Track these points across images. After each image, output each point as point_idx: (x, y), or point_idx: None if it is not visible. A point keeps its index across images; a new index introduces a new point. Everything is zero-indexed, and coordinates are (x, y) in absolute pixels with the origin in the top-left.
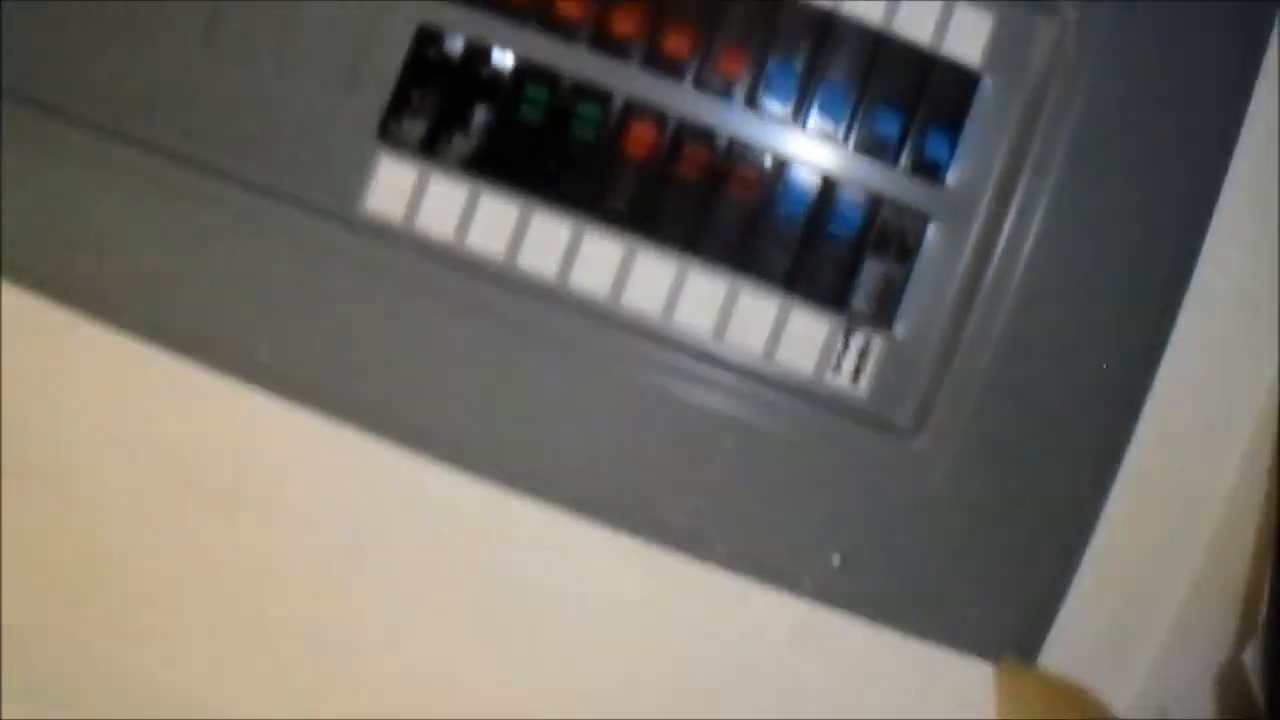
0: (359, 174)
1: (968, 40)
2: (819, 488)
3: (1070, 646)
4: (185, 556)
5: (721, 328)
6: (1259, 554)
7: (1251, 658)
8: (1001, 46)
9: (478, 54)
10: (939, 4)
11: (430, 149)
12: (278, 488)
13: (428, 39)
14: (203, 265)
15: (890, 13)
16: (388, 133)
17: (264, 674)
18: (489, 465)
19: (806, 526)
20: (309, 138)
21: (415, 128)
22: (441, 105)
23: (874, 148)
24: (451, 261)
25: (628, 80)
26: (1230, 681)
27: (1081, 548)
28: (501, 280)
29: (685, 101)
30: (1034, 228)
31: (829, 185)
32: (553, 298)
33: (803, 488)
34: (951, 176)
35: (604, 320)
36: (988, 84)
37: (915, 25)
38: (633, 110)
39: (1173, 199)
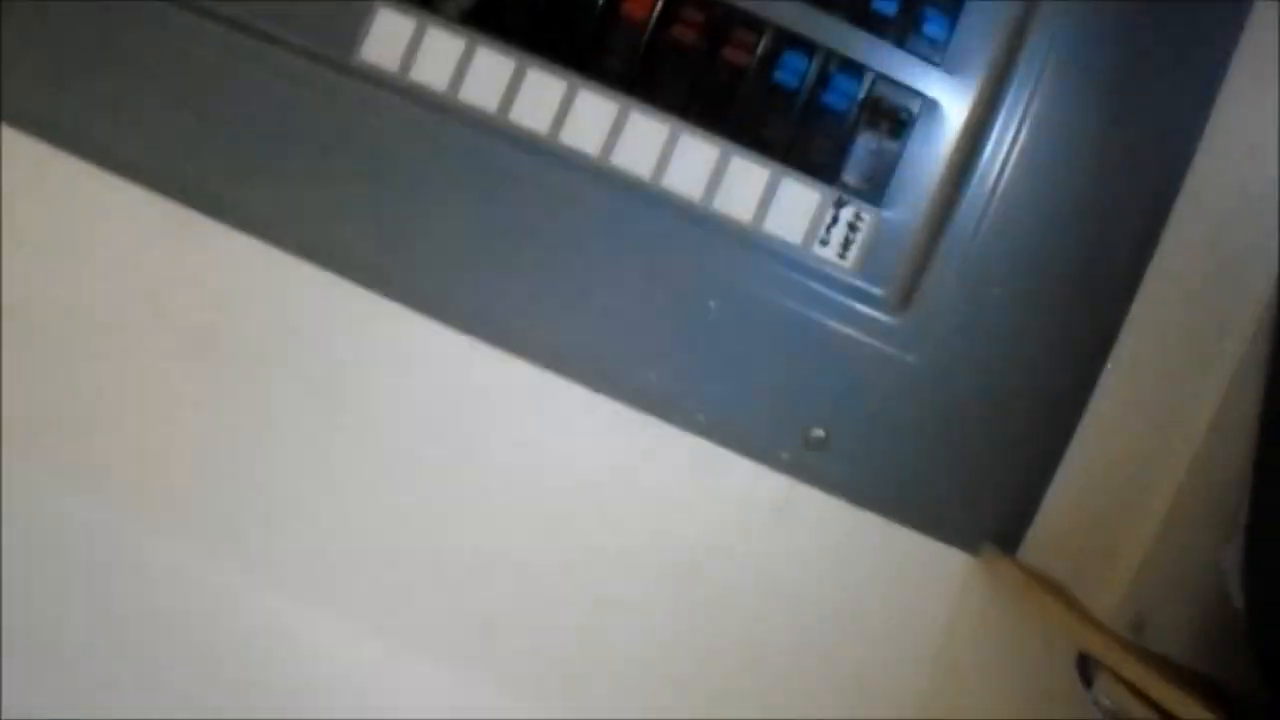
0: (357, 22)
1: None
2: (802, 358)
3: (1050, 545)
4: (164, 398)
5: (712, 191)
6: (1243, 459)
7: (1230, 558)
8: None
9: None
10: None
11: (429, 1)
12: (261, 331)
13: None
14: (199, 109)
15: None
16: None
17: (241, 529)
18: (468, 317)
19: (787, 397)
20: None
21: None
22: None
23: (873, 22)
24: (445, 111)
25: None
26: (1208, 585)
27: (1065, 442)
28: (494, 132)
29: None
30: (1029, 113)
31: (827, 57)
32: (545, 152)
33: (785, 357)
34: (948, 57)
35: (595, 177)
36: None
37: None
38: None
39: (1175, 87)
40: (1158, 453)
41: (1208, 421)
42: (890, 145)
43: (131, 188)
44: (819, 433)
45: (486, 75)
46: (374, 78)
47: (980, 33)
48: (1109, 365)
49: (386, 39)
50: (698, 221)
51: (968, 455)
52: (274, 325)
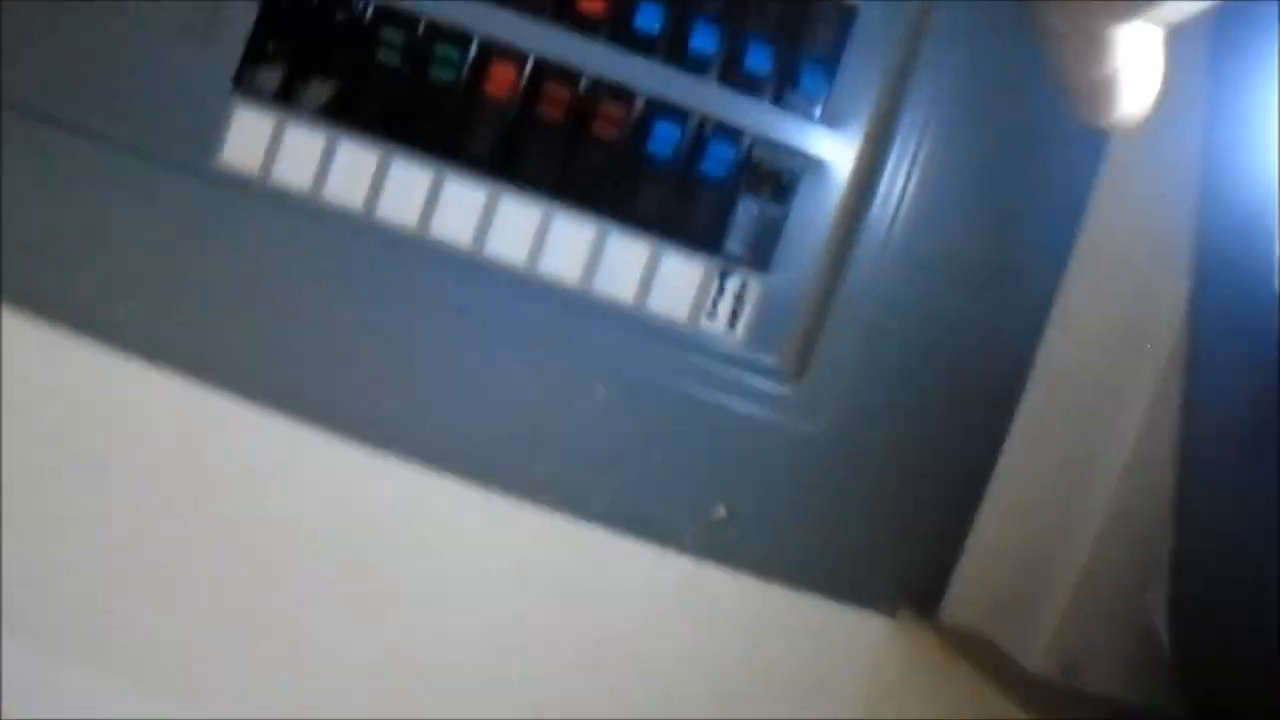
0: (215, 126)
1: None
2: (697, 437)
3: (971, 600)
4: (55, 521)
5: (590, 272)
6: (1162, 499)
7: (1155, 599)
8: None
9: None
10: None
11: (286, 97)
12: (145, 450)
13: None
14: (55, 221)
15: None
16: (243, 82)
17: (132, 640)
18: (347, 421)
19: (686, 478)
20: (163, 90)
21: (271, 76)
22: (297, 51)
23: (747, 82)
24: (310, 212)
25: (486, 19)
26: (1137, 624)
27: (978, 496)
28: (361, 230)
29: (545, 39)
30: (915, 167)
31: (700, 123)
32: (414, 247)
33: (680, 437)
34: (828, 111)
35: (468, 268)
36: (866, 14)
37: None
38: (491, 50)
39: (1069, 124)
40: (1075, 498)
41: (1123, 463)
42: (774, 209)
43: None
44: (721, 511)
45: (350, 170)
46: (236, 183)
47: (861, 83)
48: (1018, 415)
49: (246, 140)
50: (578, 306)
51: (877, 519)
52: (142, 437)
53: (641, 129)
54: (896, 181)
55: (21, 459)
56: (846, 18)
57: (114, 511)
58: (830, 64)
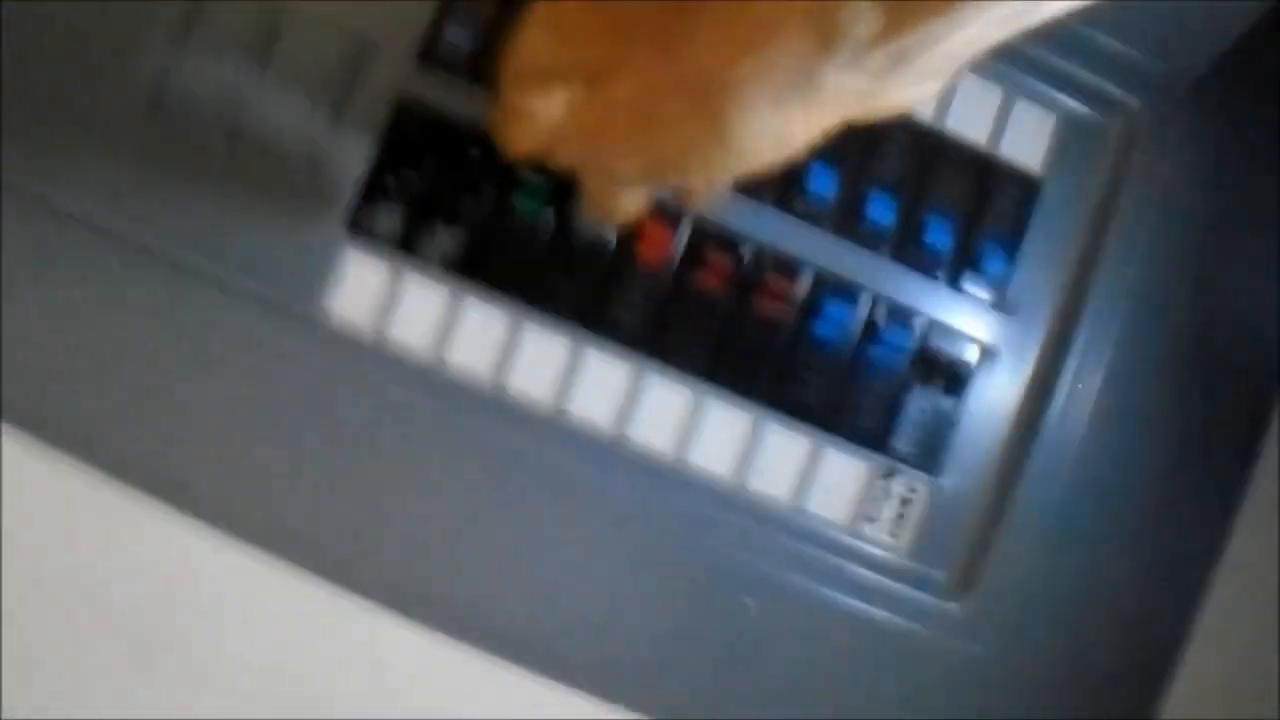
0: (323, 271)
1: (1028, 141)
2: (851, 656)
3: None
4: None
5: (744, 467)
6: None
7: None
8: (1064, 147)
9: (467, 131)
10: (996, 100)
11: (407, 245)
12: (210, 632)
13: (409, 111)
14: (142, 368)
15: (943, 109)
16: (358, 224)
17: None
18: (466, 630)
19: (836, 703)
20: (269, 229)
21: (390, 219)
22: (422, 193)
23: (923, 261)
24: (428, 379)
25: None
26: None
27: None
28: (486, 404)
29: None
30: (1103, 360)
31: (871, 305)
32: (546, 427)
33: (832, 657)
34: (1008, 298)
35: (607, 454)
36: (1050, 189)
37: (970, 123)
38: (647, 209)
39: (1260, 308)
40: None
41: None
42: (946, 403)
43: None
44: None
45: (476, 334)
46: (343, 336)
47: (1044, 265)
48: (1194, 636)
49: (357, 289)
50: (729, 503)
51: None
52: (212, 616)
53: (808, 308)
54: (1081, 377)
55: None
56: (1030, 193)
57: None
58: (1012, 243)
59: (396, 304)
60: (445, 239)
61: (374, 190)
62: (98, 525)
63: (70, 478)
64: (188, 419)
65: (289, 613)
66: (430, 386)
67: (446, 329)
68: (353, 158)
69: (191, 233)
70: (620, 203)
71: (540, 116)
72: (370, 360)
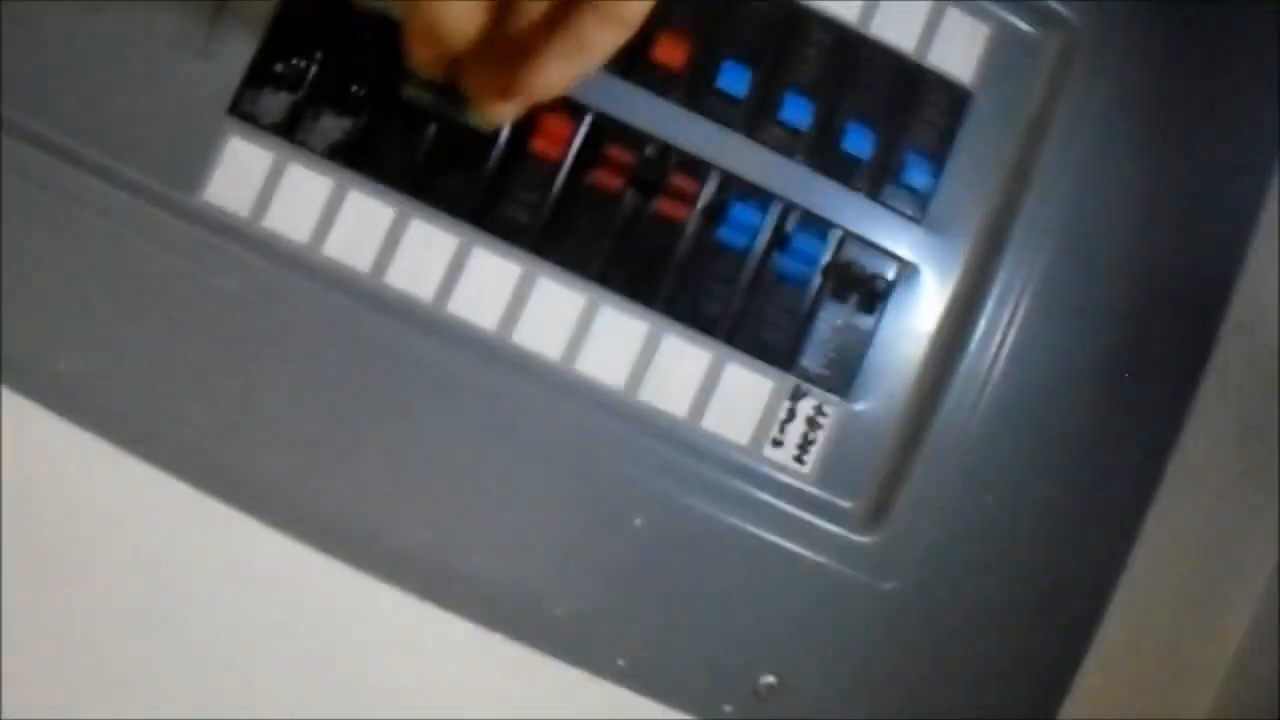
0: (203, 157)
1: (959, 51)
2: (749, 589)
3: None
4: None
5: (638, 378)
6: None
7: None
8: (998, 60)
9: (359, 18)
10: (927, 4)
11: (291, 132)
12: (75, 529)
13: None
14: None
15: (868, 13)
16: (240, 109)
17: None
18: (324, 531)
19: (732, 637)
20: (150, 114)
21: (275, 105)
22: (310, 79)
23: (840, 169)
24: (305, 267)
25: None
26: None
27: (1070, 680)
28: (365, 297)
29: (608, 92)
30: (1029, 284)
31: (784, 211)
32: (426, 323)
33: (727, 587)
34: (931, 213)
35: (490, 357)
36: (981, 102)
37: (897, 30)
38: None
39: (1202, 243)
40: (1181, 679)
41: (1235, 655)
42: (861, 321)
43: None
44: (770, 679)
45: (359, 225)
46: (220, 224)
47: (971, 183)
48: (1126, 578)
49: (238, 177)
50: (620, 416)
51: (956, 699)
52: (89, 524)
53: (713, 212)
54: (1007, 300)
55: None
56: (959, 102)
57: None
58: (938, 156)
59: (277, 192)
60: (332, 127)
61: (259, 75)
62: None
63: None
64: (61, 311)
65: (143, 512)
66: (308, 276)
67: (328, 220)
68: (240, 41)
69: (69, 116)
70: (509, 109)
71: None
72: (248, 248)
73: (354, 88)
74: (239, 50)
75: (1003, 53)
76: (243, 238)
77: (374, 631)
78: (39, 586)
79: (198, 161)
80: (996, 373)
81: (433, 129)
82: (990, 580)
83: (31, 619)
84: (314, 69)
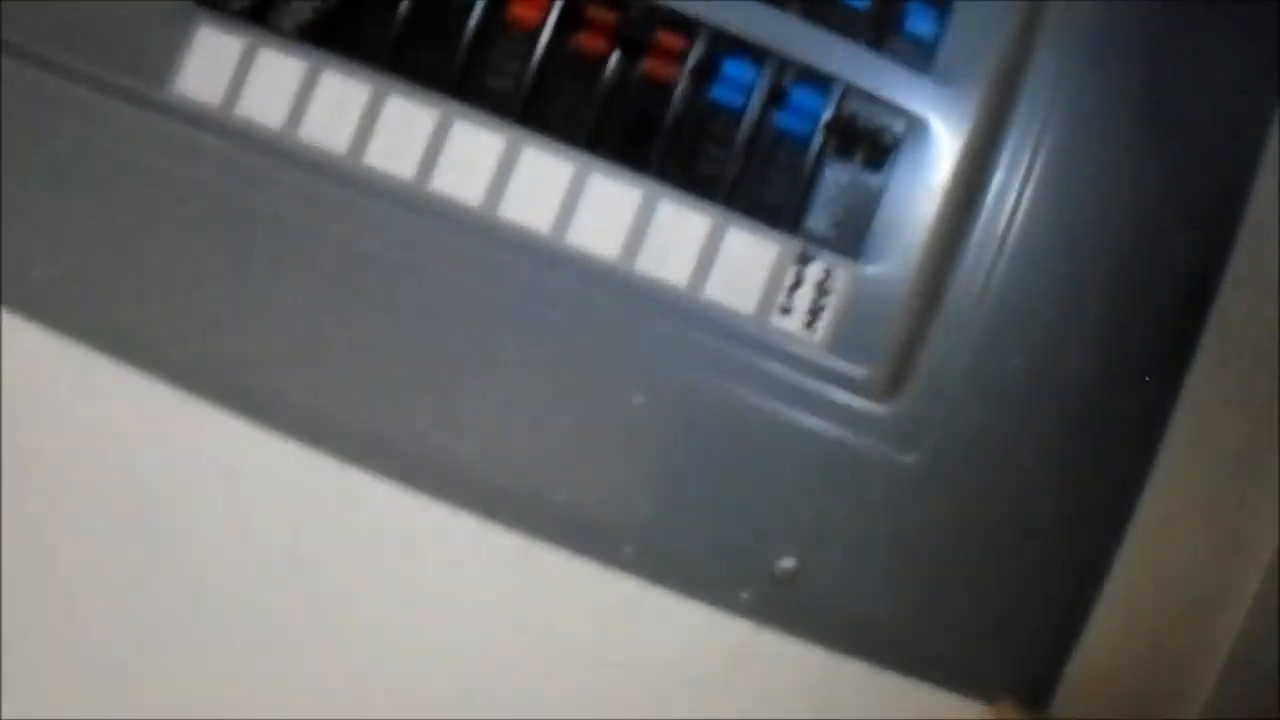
0: (171, 47)
1: None
2: (761, 466)
3: (1087, 695)
4: None
5: (634, 247)
6: None
7: None
8: None
9: None
10: None
11: (261, 14)
12: (68, 440)
13: None
14: None
15: None
16: None
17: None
18: (313, 424)
19: (745, 518)
20: (112, 6)
21: None
22: None
23: (840, 19)
24: (282, 154)
25: None
26: None
27: (1109, 558)
28: (345, 179)
29: None
30: (1045, 134)
31: (780, 66)
32: (410, 203)
33: (738, 466)
34: (939, 62)
35: (476, 232)
36: None
37: None
38: None
39: (1235, 81)
40: (1224, 568)
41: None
42: (868, 179)
43: None
44: (788, 563)
45: (334, 106)
46: (194, 114)
47: (979, 27)
48: (1161, 457)
49: (208, 66)
50: (616, 288)
51: (982, 582)
52: (66, 432)
53: (705, 70)
54: (1022, 152)
55: None
56: None
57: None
58: (943, 2)
59: (249, 78)
60: (301, 7)
61: None
62: None
63: None
64: (33, 216)
65: (130, 417)
66: (284, 162)
67: (303, 103)
68: None
69: (29, 17)
70: None
71: None
72: (222, 138)
73: None
74: None
75: None
76: (217, 127)
77: (365, 527)
78: (20, 496)
79: (166, 53)
80: (1015, 227)
81: (405, 1)
82: (1019, 447)
83: (12, 535)
84: None
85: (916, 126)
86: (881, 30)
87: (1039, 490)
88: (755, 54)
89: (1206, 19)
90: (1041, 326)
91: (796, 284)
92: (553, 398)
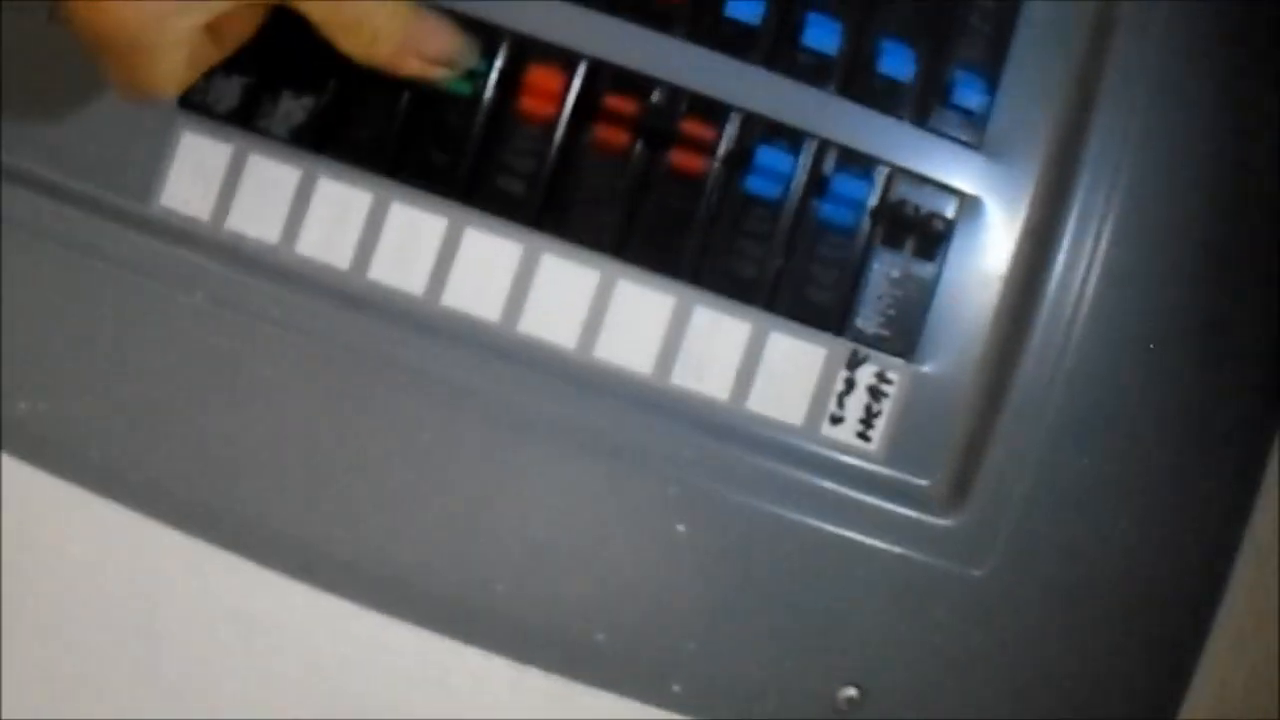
0: (154, 156)
1: None
2: (816, 592)
3: None
4: None
5: (668, 359)
6: None
7: None
8: None
9: None
10: None
11: (248, 117)
12: (72, 585)
13: None
14: None
15: None
16: (191, 99)
17: None
18: (329, 569)
19: (801, 647)
20: (93, 118)
21: (228, 91)
22: (262, 58)
23: (879, 95)
24: (278, 271)
25: (520, 10)
26: None
27: (1191, 665)
28: (348, 298)
29: (603, 35)
30: (1111, 208)
31: (818, 151)
32: (420, 320)
33: (792, 592)
34: (990, 136)
35: (495, 351)
36: (1034, 3)
37: None
38: (527, 52)
39: None
40: None
41: None
42: (920, 269)
43: None
44: (850, 692)
45: (333, 217)
46: (180, 231)
47: (1032, 98)
48: (1244, 549)
49: (194, 176)
50: (651, 406)
51: (1051, 699)
52: (69, 572)
53: (736, 159)
54: (1086, 229)
55: None
56: (1009, 6)
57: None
58: (991, 69)
59: (240, 188)
60: (293, 108)
61: None
62: None
63: None
64: (16, 348)
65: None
66: (282, 280)
67: (298, 213)
68: None
69: (4, 133)
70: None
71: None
72: (212, 256)
73: (311, 62)
74: None
75: None
76: (206, 244)
77: (397, 674)
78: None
79: (150, 164)
80: (1082, 313)
81: (405, 98)
82: (1094, 554)
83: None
84: (266, 46)
85: (970, 208)
86: (927, 104)
87: (1115, 591)
88: (791, 139)
89: (1271, 69)
90: (1112, 421)
91: (847, 390)
92: (587, 529)
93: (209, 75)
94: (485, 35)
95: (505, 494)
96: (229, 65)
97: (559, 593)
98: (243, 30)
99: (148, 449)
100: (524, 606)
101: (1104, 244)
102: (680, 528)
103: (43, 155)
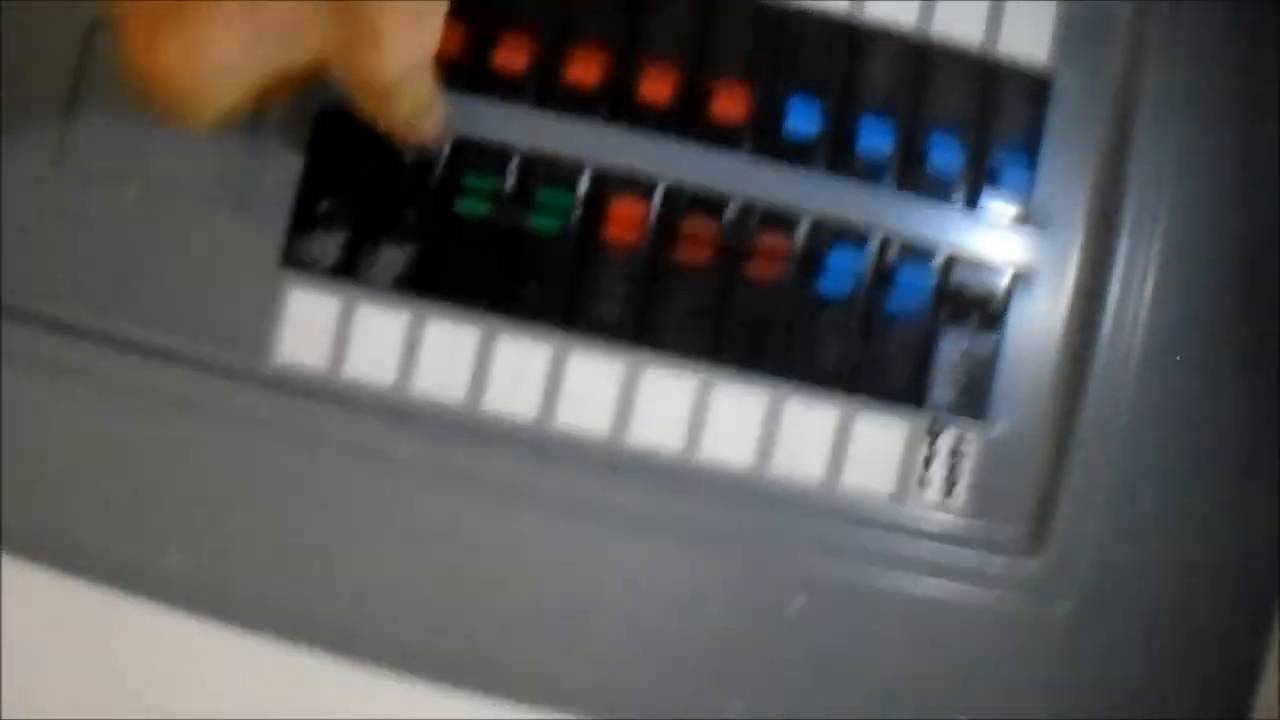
0: (264, 316)
1: (1030, 34)
2: (920, 645)
3: None
4: None
5: (766, 453)
6: None
7: None
8: (1070, 36)
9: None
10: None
11: (351, 270)
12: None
13: (332, 122)
14: (72, 452)
15: (926, 14)
16: (294, 257)
17: None
18: (471, 679)
19: (906, 704)
20: (199, 284)
21: (329, 246)
22: (359, 211)
23: (933, 186)
24: (397, 412)
25: (596, 145)
26: None
27: (1258, 675)
28: (465, 430)
29: (674, 161)
30: (1151, 263)
31: (882, 245)
32: (535, 443)
33: (898, 649)
34: (1034, 210)
35: (607, 464)
36: (1063, 83)
37: (960, 25)
38: (608, 184)
39: None
40: None
41: None
42: (984, 340)
43: None
44: None
45: (443, 355)
46: (300, 385)
47: (1069, 171)
48: None
49: (307, 330)
50: (755, 498)
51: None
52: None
53: (809, 263)
54: (1132, 284)
55: None
56: (1040, 87)
57: None
58: (1030, 149)
59: (350, 338)
60: (393, 258)
61: (305, 216)
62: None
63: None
64: (156, 507)
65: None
66: (402, 422)
67: (410, 356)
68: (276, 186)
69: (115, 304)
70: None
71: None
72: (334, 405)
73: (405, 212)
74: (277, 196)
75: (1076, 27)
76: (326, 394)
77: None
78: None
79: (261, 323)
80: (1134, 362)
81: (498, 239)
82: (1169, 577)
83: None
84: (360, 200)
85: (1023, 279)
86: (976, 188)
87: (1186, 611)
88: (856, 237)
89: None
90: (1173, 455)
91: (930, 457)
92: (706, 623)
93: (308, 233)
94: (566, 171)
95: (627, 598)
96: (324, 222)
97: (697, 672)
98: (289, 84)
99: (299, 593)
100: (655, 699)
101: (1148, 297)
102: (794, 605)
103: (149, 320)
